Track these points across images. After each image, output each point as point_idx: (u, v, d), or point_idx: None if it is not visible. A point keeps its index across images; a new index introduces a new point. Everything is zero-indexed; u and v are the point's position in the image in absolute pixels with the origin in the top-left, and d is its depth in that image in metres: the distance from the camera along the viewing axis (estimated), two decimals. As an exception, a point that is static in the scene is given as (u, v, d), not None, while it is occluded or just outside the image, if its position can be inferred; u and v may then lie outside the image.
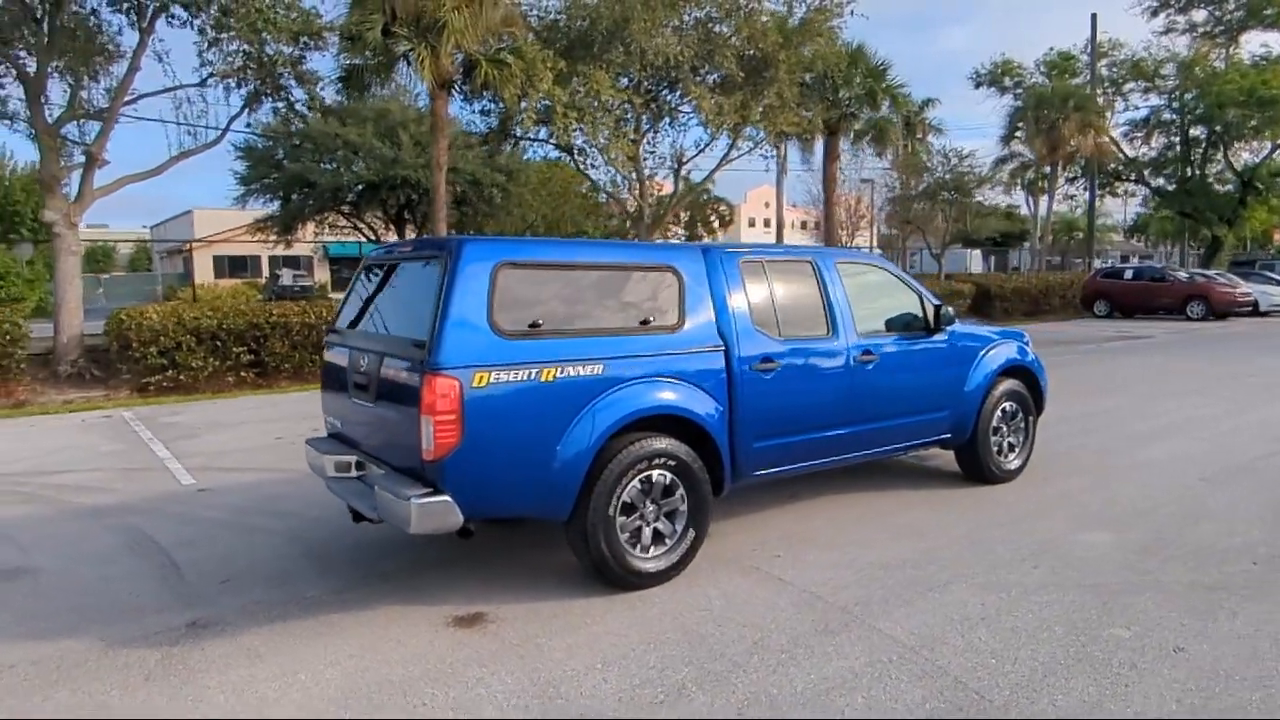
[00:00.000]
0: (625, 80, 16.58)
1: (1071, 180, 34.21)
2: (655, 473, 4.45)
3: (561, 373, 4.15)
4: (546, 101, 15.03)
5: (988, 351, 6.25)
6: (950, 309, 5.95)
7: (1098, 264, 31.58)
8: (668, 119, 18.36)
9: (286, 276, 39.64)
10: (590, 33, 15.91)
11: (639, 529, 4.45)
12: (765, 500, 6.05)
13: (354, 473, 4.60)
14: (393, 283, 4.76)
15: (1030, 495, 6.08)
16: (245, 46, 14.38)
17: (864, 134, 22.54)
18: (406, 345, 4.13)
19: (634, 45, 15.44)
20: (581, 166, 19.07)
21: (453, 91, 17.09)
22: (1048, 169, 30.13)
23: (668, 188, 21.74)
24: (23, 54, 13.59)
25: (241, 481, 7.01)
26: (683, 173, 19.21)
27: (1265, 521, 5.33)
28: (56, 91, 14.16)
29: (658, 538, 4.52)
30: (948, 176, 27.22)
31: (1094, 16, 29.96)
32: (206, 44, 13.97)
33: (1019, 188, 34.18)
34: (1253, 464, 6.79)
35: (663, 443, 4.46)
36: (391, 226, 31.51)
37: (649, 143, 19.53)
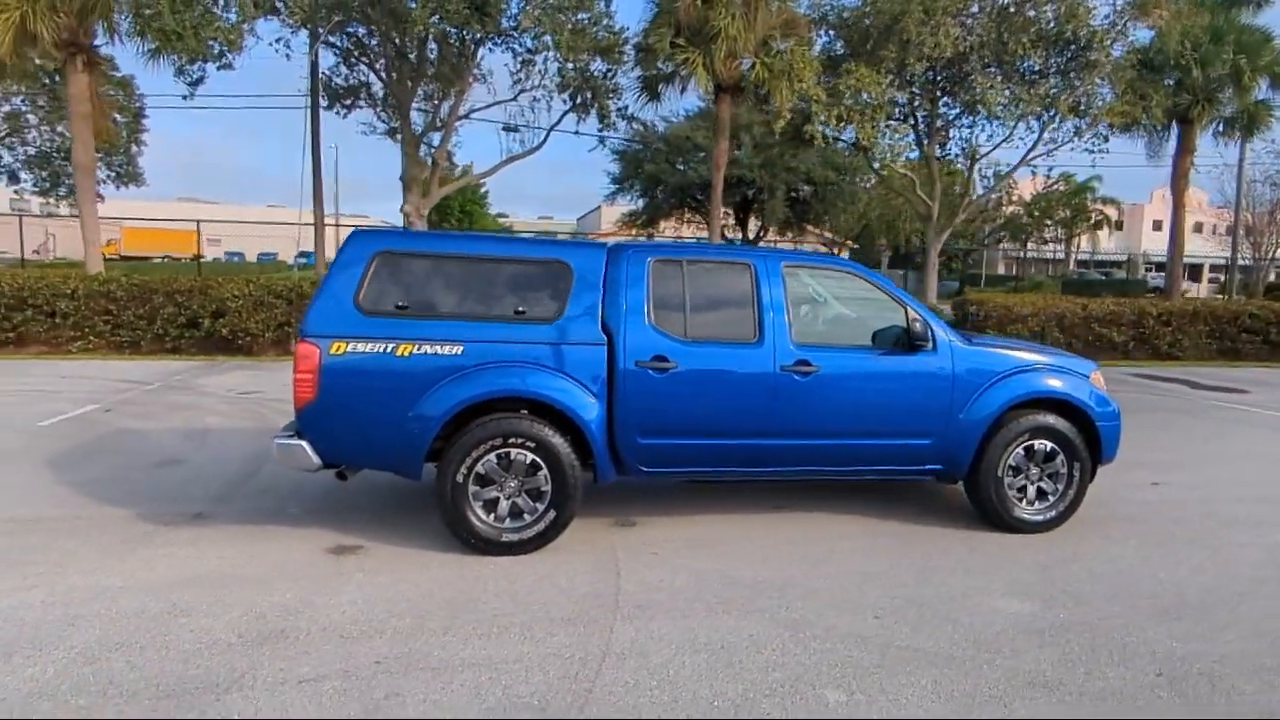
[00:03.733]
0: (902, 76, 15.53)
1: None
2: (514, 451, 4.68)
3: (418, 349, 4.60)
4: (807, 100, 14.73)
5: (1004, 378, 5.21)
6: (935, 325, 5.11)
7: None
8: (961, 113, 16.74)
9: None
10: (868, 29, 15.21)
11: (495, 500, 4.72)
12: (741, 505, 5.80)
13: None
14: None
15: (1014, 549, 5.00)
16: (558, 64, 16.35)
17: (1233, 122, 18.11)
18: None
19: (908, 39, 14.43)
20: (874, 165, 18.21)
21: (741, 93, 17.49)
22: None
23: (1031, 186, 19.61)
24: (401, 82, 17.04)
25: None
26: (980, 170, 17.37)
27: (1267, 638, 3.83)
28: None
29: (516, 512, 4.74)
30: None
31: None
32: (519, 65, 16.17)
33: None
34: None
35: (522, 423, 4.67)
36: (736, 222, 32.87)
37: (957, 139, 18.01)
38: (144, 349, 13.73)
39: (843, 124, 14.79)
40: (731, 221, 33.90)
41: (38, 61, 17.01)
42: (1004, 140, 16.32)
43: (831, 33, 17.42)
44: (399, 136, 17.80)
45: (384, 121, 18.94)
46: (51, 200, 36.70)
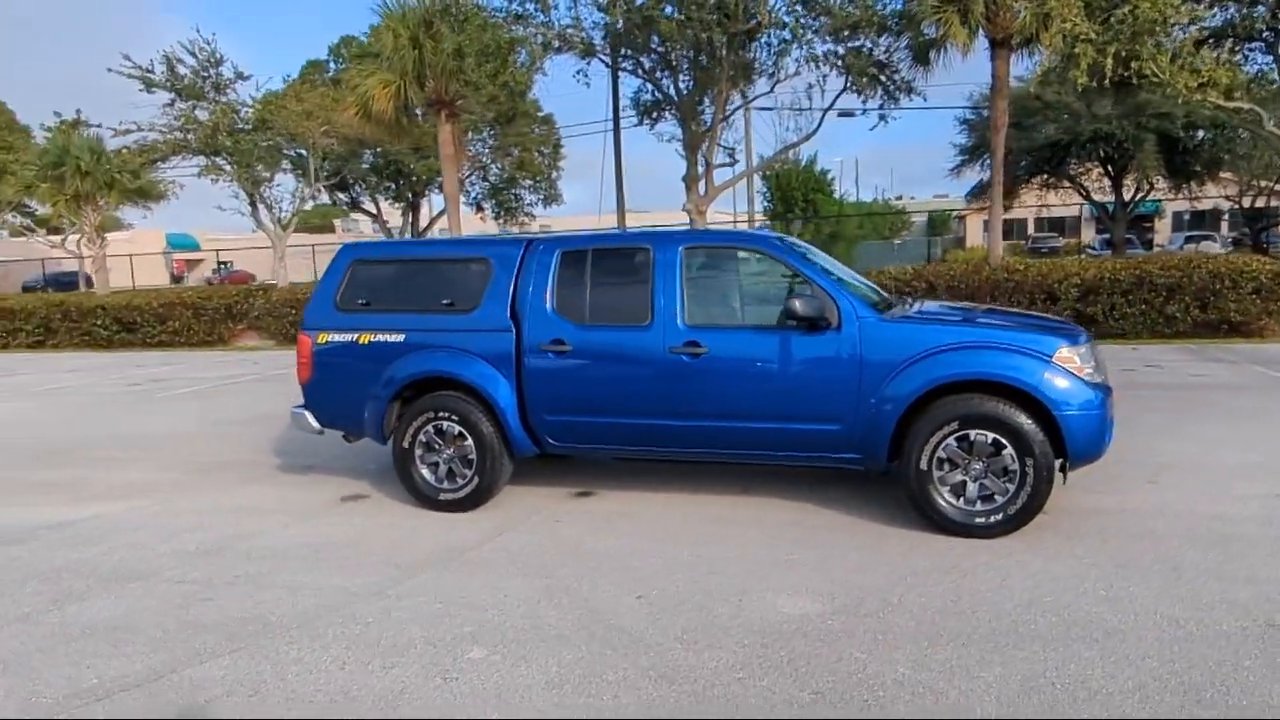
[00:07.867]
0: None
1: None
2: (444, 423, 5.35)
3: (374, 337, 5.50)
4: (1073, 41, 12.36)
5: (925, 357, 4.39)
6: (842, 301, 4.51)
7: None
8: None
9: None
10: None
11: (436, 464, 5.44)
12: (709, 486, 5.69)
13: None
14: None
15: (916, 553, 4.20)
16: (806, 50, 15.99)
17: None
18: None
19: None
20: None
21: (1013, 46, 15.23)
22: None
23: None
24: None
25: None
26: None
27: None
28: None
29: (451, 475, 5.40)
30: None
31: None
32: (774, 57, 16.10)
33: None
34: None
35: (448, 399, 5.32)
36: (1109, 182, 28.08)
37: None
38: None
39: (1120, 63, 12.08)
40: (1107, 184, 29.04)
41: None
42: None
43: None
44: (682, 141, 18.87)
45: (681, 127, 20.16)
46: (504, 222, 43.97)
